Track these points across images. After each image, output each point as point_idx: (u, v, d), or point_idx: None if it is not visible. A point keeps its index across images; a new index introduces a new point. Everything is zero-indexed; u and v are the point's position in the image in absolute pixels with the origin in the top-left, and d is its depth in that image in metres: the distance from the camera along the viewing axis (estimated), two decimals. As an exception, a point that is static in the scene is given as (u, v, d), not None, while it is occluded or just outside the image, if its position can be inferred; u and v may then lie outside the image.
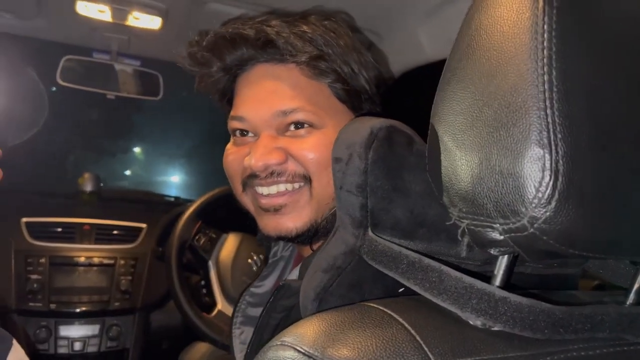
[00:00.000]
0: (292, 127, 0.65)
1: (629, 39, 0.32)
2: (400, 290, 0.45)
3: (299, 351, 0.32)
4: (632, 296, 0.39)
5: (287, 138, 0.65)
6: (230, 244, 1.44)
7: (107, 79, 1.31)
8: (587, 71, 0.30)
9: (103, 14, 1.05)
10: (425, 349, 0.32)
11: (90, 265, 1.54)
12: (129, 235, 1.64)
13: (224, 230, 1.46)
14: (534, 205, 0.29)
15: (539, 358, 0.33)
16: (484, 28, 0.33)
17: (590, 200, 0.30)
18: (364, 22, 0.95)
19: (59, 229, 1.58)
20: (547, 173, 0.28)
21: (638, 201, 0.32)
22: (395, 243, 0.42)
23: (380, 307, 0.36)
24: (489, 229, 0.33)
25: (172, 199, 2.15)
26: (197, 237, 1.40)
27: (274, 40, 0.63)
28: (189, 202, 1.52)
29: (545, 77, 0.29)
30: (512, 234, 0.31)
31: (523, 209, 0.30)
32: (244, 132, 0.69)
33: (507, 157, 0.30)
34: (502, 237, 0.32)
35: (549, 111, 0.28)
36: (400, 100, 0.88)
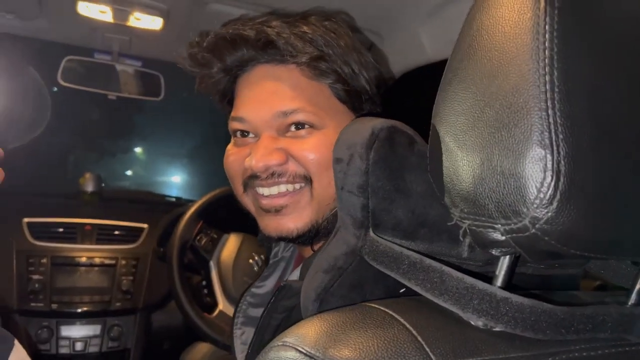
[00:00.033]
0: (292, 128, 0.65)
1: (630, 39, 0.32)
2: (402, 290, 0.45)
3: (300, 352, 0.32)
4: (633, 296, 0.39)
5: (288, 139, 0.65)
6: (231, 244, 1.44)
7: (108, 79, 1.31)
8: (589, 71, 0.30)
9: (104, 14, 1.06)
10: (427, 349, 0.32)
11: (92, 265, 1.54)
12: (131, 235, 1.65)
13: (225, 231, 1.46)
14: (535, 205, 0.29)
15: (540, 358, 0.33)
16: (485, 28, 0.33)
17: (591, 201, 0.30)
18: (364, 23, 0.95)
19: (61, 229, 1.58)
20: (549, 173, 0.28)
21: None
22: (396, 243, 0.42)
23: (382, 308, 0.36)
24: (490, 230, 0.33)
25: (174, 199, 2.16)
26: (198, 238, 1.41)
27: (274, 41, 0.63)
28: (190, 202, 1.52)
29: (547, 78, 0.29)
30: (514, 235, 0.31)
31: (525, 210, 0.30)
32: (244, 133, 0.69)
33: (508, 158, 0.30)
34: (503, 238, 0.32)
35: (550, 111, 0.28)
36: (401, 101, 0.87)
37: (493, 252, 0.35)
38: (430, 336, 0.33)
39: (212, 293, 1.39)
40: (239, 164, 0.68)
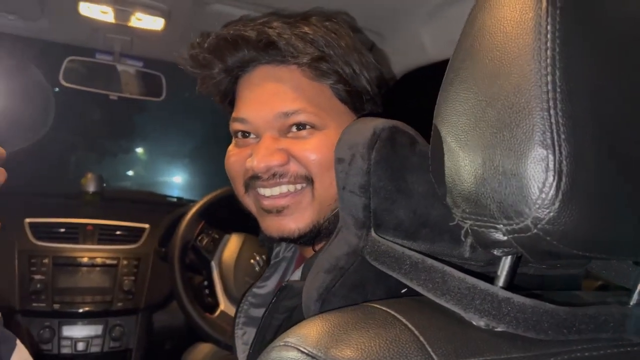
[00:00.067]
0: (293, 129, 0.65)
1: (632, 39, 0.32)
2: (403, 290, 0.45)
3: (302, 352, 0.32)
4: (635, 297, 0.39)
5: (289, 139, 0.65)
6: (232, 244, 1.44)
7: (109, 79, 1.32)
8: (591, 71, 0.30)
9: (106, 15, 1.06)
10: (429, 349, 0.32)
11: (93, 265, 1.54)
12: (132, 235, 1.65)
13: (227, 231, 1.46)
14: (537, 205, 0.29)
15: (542, 359, 0.33)
16: (487, 28, 0.33)
17: (593, 201, 0.30)
18: (365, 23, 0.95)
19: (62, 230, 1.58)
20: (551, 174, 0.28)
21: (642, 201, 0.32)
22: (398, 244, 0.42)
23: (384, 308, 0.36)
24: (492, 230, 0.33)
25: (175, 200, 2.16)
26: (199, 238, 1.41)
27: (275, 41, 0.63)
28: (192, 202, 1.52)
29: (549, 78, 0.29)
30: (516, 235, 0.31)
31: (527, 210, 0.30)
32: (245, 134, 0.69)
33: (510, 158, 0.30)
34: (505, 238, 0.32)
35: (552, 111, 0.28)
36: (402, 101, 0.87)
37: (495, 253, 0.35)
38: (432, 336, 0.33)
39: (213, 293, 1.39)
40: (240, 165, 0.69)
